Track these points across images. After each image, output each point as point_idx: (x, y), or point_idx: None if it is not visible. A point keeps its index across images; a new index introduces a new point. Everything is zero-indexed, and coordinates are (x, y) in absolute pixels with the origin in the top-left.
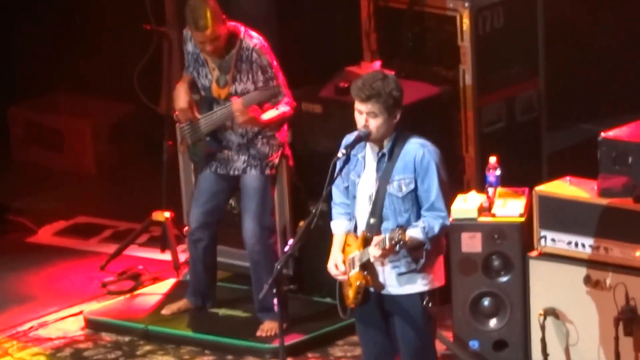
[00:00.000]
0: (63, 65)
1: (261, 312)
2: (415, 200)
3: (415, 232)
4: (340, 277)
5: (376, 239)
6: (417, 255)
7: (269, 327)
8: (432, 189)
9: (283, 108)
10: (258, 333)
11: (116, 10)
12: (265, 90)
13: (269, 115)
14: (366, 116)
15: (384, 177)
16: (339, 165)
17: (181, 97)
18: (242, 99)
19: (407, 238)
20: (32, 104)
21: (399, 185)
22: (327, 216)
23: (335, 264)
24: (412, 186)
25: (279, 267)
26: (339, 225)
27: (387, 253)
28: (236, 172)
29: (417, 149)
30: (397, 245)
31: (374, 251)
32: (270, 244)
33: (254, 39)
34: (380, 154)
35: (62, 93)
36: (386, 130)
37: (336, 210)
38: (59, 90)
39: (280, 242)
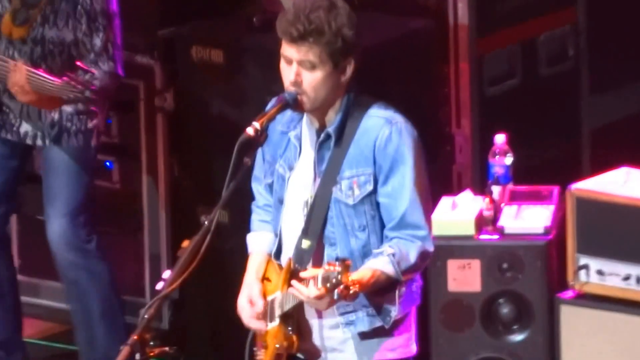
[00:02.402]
0: None
1: None
2: (378, 211)
3: (380, 264)
4: (256, 325)
5: (308, 274)
6: (382, 301)
7: None
8: (403, 193)
9: (97, 79)
10: None
11: None
12: (70, 88)
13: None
14: (297, 67)
15: (328, 173)
16: (258, 149)
17: None
18: (30, 73)
19: (350, 280)
20: None
21: (350, 185)
22: (230, 232)
23: (250, 299)
24: (369, 187)
25: (145, 315)
26: (259, 241)
27: (327, 300)
28: (40, 142)
29: (381, 126)
30: (335, 291)
31: (309, 292)
32: (91, 250)
33: None
34: (323, 135)
35: None
36: (330, 93)
37: (258, 216)
38: None
39: (148, 273)
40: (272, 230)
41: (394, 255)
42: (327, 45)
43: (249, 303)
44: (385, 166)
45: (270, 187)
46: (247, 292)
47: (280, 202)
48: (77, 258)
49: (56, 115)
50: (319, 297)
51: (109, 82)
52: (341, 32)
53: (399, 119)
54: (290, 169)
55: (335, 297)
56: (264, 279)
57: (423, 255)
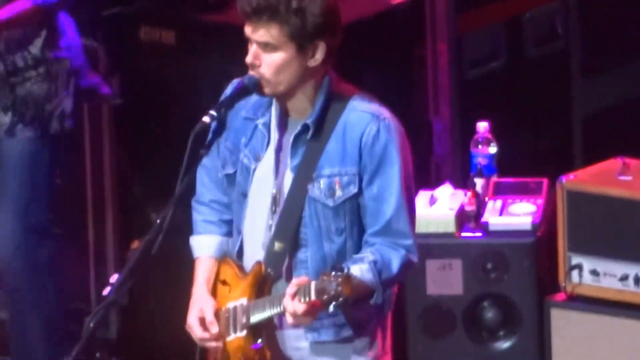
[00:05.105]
0: None
1: None
2: (358, 214)
3: (359, 271)
4: (211, 345)
5: (293, 286)
6: (355, 314)
7: None
8: (389, 197)
9: None
10: None
11: None
12: None
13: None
14: (255, 48)
15: (302, 169)
16: (210, 136)
17: None
18: None
19: (350, 291)
20: None
21: (330, 185)
22: (184, 231)
23: (201, 318)
24: (353, 189)
25: (91, 324)
26: (206, 245)
27: (315, 312)
28: None
29: (368, 122)
30: (332, 303)
31: (294, 306)
32: (42, 258)
33: None
34: (300, 127)
35: None
36: (294, 78)
37: (202, 216)
38: None
39: (94, 277)
40: (220, 233)
41: (375, 262)
42: (284, 25)
43: (198, 323)
44: (370, 166)
45: (228, 179)
46: (199, 309)
47: (244, 195)
48: (23, 266)
49: (8, 100)
50: (308, 312)
51: None
52: (304, 12)
53: (386, 114)
54: (257, 159)
55: (331, 309)
56: (220, 282)
57: (406, 266)
